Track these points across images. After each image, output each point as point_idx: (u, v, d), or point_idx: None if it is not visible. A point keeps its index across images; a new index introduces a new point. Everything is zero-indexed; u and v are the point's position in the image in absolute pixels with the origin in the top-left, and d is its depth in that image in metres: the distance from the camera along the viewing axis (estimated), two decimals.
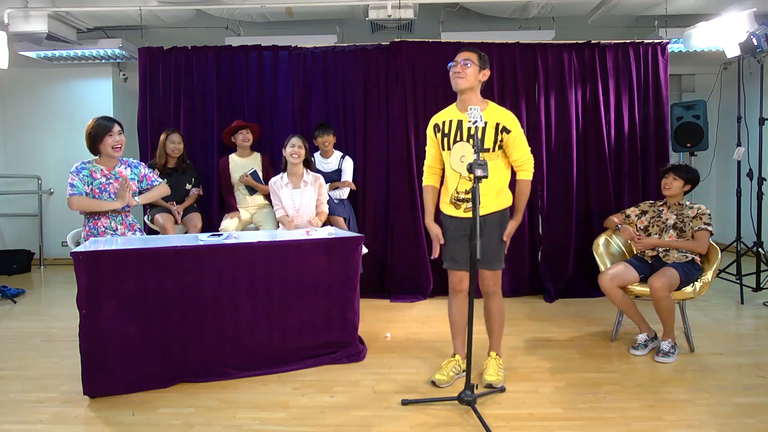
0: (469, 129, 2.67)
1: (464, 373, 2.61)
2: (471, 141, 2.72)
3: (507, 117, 2.77)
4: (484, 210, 2.75)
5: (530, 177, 2.85)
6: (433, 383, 2.86)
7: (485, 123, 2.70)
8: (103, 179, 3.28)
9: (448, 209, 2.91)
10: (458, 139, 2.78)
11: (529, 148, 2.86)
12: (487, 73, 2.81)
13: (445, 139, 2.84)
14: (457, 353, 2.99)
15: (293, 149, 3.98)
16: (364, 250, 4.12)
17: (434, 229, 2.94)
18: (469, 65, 2.74)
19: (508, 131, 2.75)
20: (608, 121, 4.76)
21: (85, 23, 5.31)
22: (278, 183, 4.06)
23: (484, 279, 2.89)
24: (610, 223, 3.68)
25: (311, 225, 3.86)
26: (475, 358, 2.92)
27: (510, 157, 2.83)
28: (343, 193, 4.54)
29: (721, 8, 4.80)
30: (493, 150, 2.76)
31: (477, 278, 2.79)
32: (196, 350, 2.89)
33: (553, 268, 4.71)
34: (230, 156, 4.61)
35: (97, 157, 3.32)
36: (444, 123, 2.85)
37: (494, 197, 2.81)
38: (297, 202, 4.01)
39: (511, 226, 2.86)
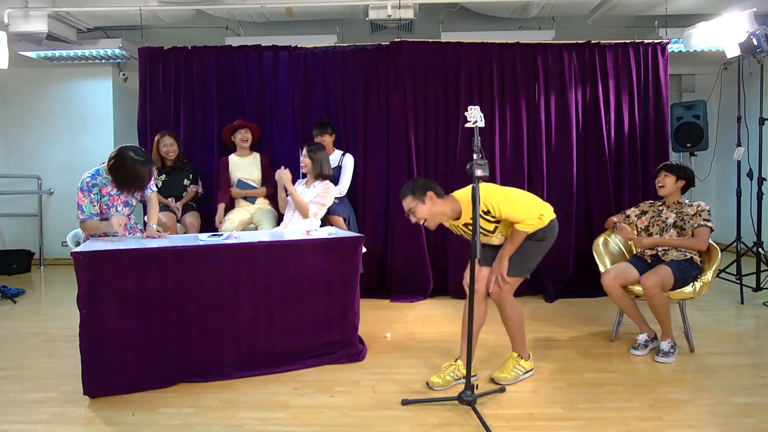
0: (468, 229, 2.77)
1: (463, 379, 2.60)
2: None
3: (484, 200, 2.70)
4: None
5: (527, 230, 2.78)
6: (428, 384, 2.85)
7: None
8: (114, 192, 3.26)
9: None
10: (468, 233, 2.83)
11: (528, 204, 2.77)
12: (431, 196, 2.74)
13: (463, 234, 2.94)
14: (460, 358, 2.92)
15: (301, 159, 4.14)
16: (363, 249, 4.13)
17: None
18: (413, 212, 2.78)
19: (487, 212, 2.74)
20: (608, 121, 4.76)
21: (85, 23, 5.31)
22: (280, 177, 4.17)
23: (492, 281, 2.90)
24: (610, 224, 3.68)
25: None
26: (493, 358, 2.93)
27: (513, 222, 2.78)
28: (342, 189, 4.52)
29: (721, 8, 4.79)
30: (495, 231, 2.84)
31: (476, 277, 2.81)
32: (196, 350, 2.90)
33: (553, 268, 4.70)
34: (230, 156, 4.62)
35: (104, 164, 3.24)
36: (452, 227, 2.95)
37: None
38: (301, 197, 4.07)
39: (497, 266, 2.84)
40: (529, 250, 2.87)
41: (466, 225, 2.84)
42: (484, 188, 2.68)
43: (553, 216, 2.94)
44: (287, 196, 4.11)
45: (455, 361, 2.92)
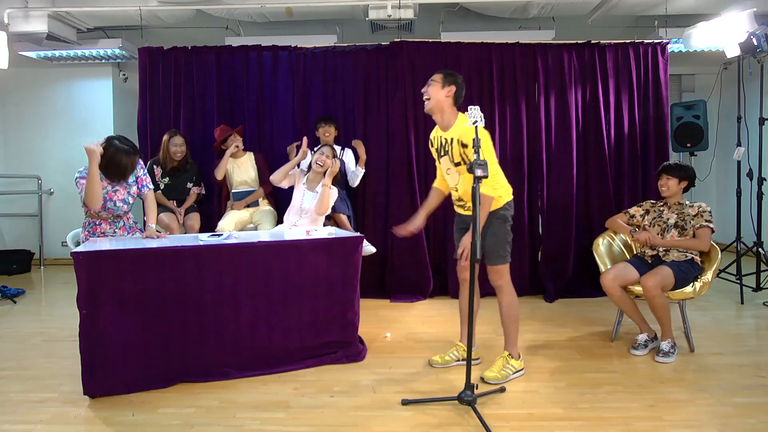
0: (443, 145, 2.91)
1: (464, 362, 2.70)
2: (446, 156, 2.91)
3: (466, 131, 2.75)
4: (469, 213, 2.94)
5: (490, 194, 2.78)
6: (429, 362, 3.12)
7: (451, 139, 2.85)
8: (109, 187, 3.26)
9: (455, 207, 3.11)
10: (442, 154, 2.95)
11: (493, 168, 2.73)
12: (451, 89, 2.85)
13: (436, 153, 3.02)
14: (461, 340, 3.12)
15: (320, 156, 3.99)
16: (372, 250, 4.11)
17: (415, 221, 3.11)
18: (431, 84, 2.90)
19: (464, 145, 2.78)
20: (608, 121, 4.76)
21: (85, 23, 5.30)
22: (300, 175, 4.11)
23: (488, 274, 3.01)
24: (615, 225, 3.66)
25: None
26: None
27: None
28: (359, 175, 4.55)
29: (721, 8, 4.80)
30: (463, 164, 2.82)
31: (476, 274, 2.81)
32: (196, 350, 2.89)
33: (553, 268, 4.70)
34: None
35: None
36: (434, 138, 3.04)
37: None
38: (306, 204, 4.00)
39: (465, 241, 2.84)
40: (499, 234, 2.92)
41: (447, 140, 2.89)
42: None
43: (510, 198, 2.98)
44: (314, 187, 4.04)
45: (458, 343, 3.18)
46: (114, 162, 3.17)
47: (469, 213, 2.94)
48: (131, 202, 3.40)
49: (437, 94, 2.86)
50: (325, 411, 2.59)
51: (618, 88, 4.77)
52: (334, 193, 4.05)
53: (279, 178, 4.08)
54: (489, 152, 2.76)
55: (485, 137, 2.77)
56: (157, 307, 2.81)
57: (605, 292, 3.35)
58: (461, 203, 3.02)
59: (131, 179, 3.34)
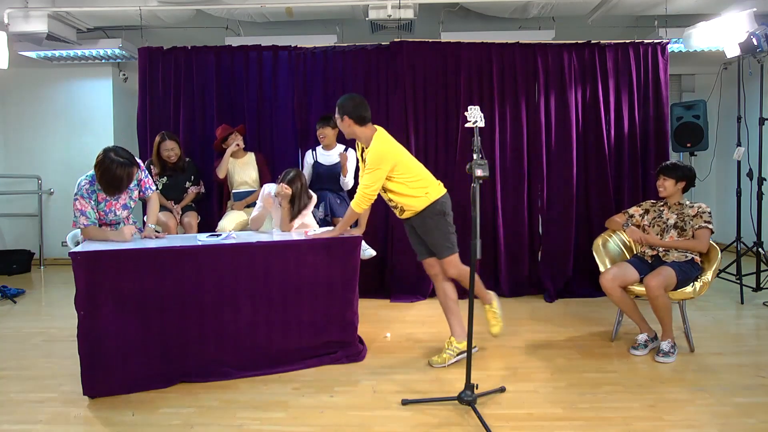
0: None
1: (462, 356, 2.84)
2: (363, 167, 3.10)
3: (370, 149, 3.03)
4: (407, 215, 3.14)
5: (356, 209, 3.04)
6: (429, 363, 3.15)
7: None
8: (111, 198, 3.22)
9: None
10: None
11: (372, 188, 2.99)
12: (346, 118, 3.07)
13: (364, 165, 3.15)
14: (451, 335, 3.22)
15: (280, 189, 3.48)
16: (372, 253, 4.08)
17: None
18: (337, 121, 3.15)
19: (364, 161, 3.06)
20: (608, 121, 4.76)
21: (85, 23, 5.30)
22: (271, 195, 3.58)
23: (443, 268, 3.15)
24: (614, 224, 3.67)
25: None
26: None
27: None
28: (349, 182, 4.49)
29: (721, 8, 4.80)
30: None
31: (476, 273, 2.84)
32: (196, 350, 2.90)
33: (553, 268, 4.70)
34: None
35: None
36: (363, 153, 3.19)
37: (406, 206, 3.10)
38: (295, 223, 3.80)
39: (329, 232, 3.23)
40: (441, 227, 3.07)
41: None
42: (385, 142, 3.05)
43: (441, 193, 3.13)
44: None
45: (449, 339, 3.21)
46: (108, 175, 3.03)
47: (402, 217, 3.17)
48: (132, 206, 3.38)
49: (343, 128, 3.12)
50: (325, 411, 2.59)
51: (618, 88, 4.77)
52: (305, 217, 3.66)
53: (257, 225, 3.68)
54: (375, 165, 2.96)
55: (380, 150, 2.99)
56: (157, 307, 2.82)
57: (605, 292, 3.34)
58: (393, 207, 3.20)
59: (132, 184, 3.31)
